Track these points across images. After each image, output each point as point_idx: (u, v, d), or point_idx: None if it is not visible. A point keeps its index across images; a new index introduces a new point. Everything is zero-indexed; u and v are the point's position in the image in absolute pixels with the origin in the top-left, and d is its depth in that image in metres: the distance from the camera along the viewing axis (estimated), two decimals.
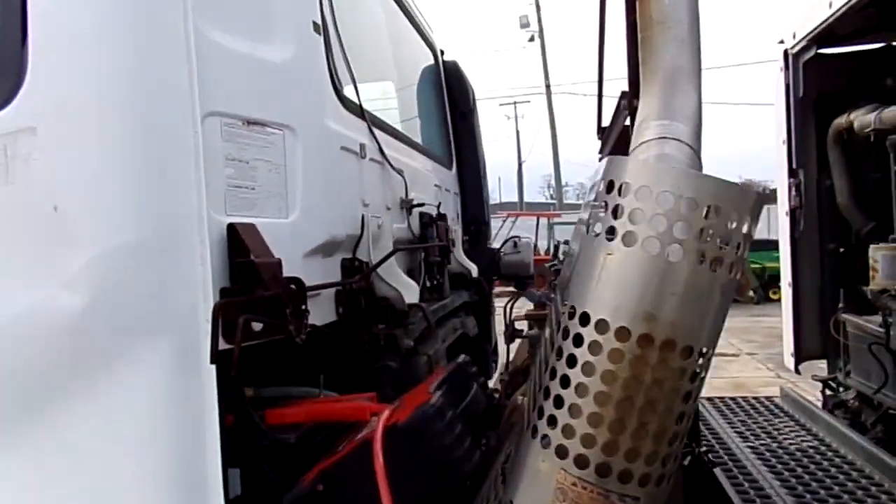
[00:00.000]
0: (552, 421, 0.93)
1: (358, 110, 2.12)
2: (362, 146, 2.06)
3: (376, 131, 2.26)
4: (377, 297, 2.02)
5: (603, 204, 0.99)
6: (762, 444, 2.95)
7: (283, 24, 1.62)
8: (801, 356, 3.74)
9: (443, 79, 4.05)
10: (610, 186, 0.97)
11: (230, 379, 1.54)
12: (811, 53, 3.65)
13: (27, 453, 1.28)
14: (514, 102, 38.10)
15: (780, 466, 2.65)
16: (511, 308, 1.83)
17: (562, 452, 0.91)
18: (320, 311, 1.78)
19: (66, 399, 1.26)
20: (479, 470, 1.28)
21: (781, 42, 3.90)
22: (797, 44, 3.71)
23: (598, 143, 3.68)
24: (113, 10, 1.23)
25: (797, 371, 3.82)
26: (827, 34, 3.51)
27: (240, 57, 1.49)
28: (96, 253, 1.25)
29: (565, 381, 0.93)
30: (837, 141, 3.72)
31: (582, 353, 0.91)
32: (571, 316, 0.95)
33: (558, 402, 0.93)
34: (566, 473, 0.89)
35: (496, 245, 4.34)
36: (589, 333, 0.91)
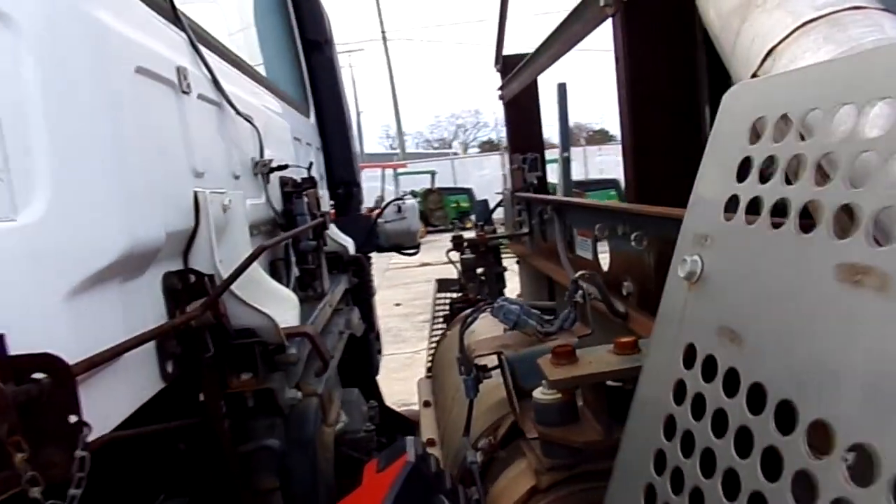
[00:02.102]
0: None
1: (169, 12, 1.22)
2: (182, 72, 1.18)
3: (206, 53, 1.37)
4: (234, 332, 1.20)
5: None
6: None
7: None
8: None
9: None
10: None
11: None
12: None
13: None
14: (349, 51, 36.24)
15: None
16: (464, 330, 1.12)
17: None
18: (128, 384, 0.93)
19: None
20: None
21: None
22: None
23: (494, 76, 2.99)
24: None
25: None
26: None
27: None
28: None
29: None
30: None
31: None
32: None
33: None
34: None
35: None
36: None
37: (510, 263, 3.03)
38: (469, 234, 2.87)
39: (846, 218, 0.41)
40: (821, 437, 0.39)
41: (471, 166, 30.26)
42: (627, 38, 1.22)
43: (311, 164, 2.09)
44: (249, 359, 1.22)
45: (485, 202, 3.81)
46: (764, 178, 0.50)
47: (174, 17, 1.22)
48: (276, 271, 1.96)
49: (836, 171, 0.43)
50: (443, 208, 21.44)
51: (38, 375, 0.66)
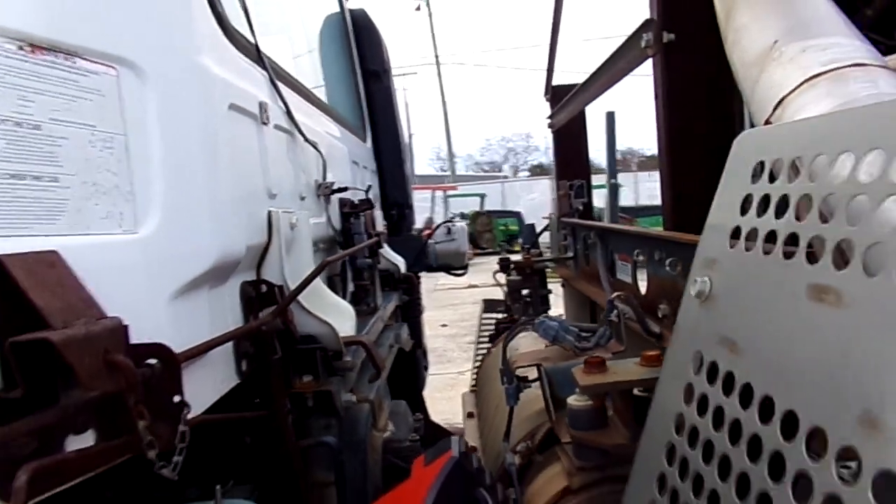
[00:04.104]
0: None
1: (254, 54, 1.38)
2: (263, 106, 1.34)
3: (282, 87, 1.53)
4: (299, 338, 1.33)
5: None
6: None
7: None
8: None
9: (350, 31, 3.29)
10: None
11: None
12: None
13: None
14: (403, 74, 37.01)
15: None
16: (507, 343, 1.22)
17: None
18: (212, 377, 1.08)
19: None
20: None
21: None
22: None
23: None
24: None
25: None
26: None
27: None
28: None
29: None
30: None
31: None
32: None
33: None
34: None
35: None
36: None
37: (556, 287, 3.11)
38: (516, 257, 2.97)
39: (820, 246, 0.50)
40: (791, 424, 0.47)
41: (520, 190, 30.32)
42: (666, 78, 1.31)
43: (369, 187, 2.24)
44: (311, 363, 1.35)
45: (531, 226, 3.90)
46: (762, 211, 0.59)
47: (258, 59, 1.39)
48: (333, 286, 2.11)
49: (813, 208, 0.52)
50: (491, 231, 21.53)
51: (151, 361, 0.79)
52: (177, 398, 0.81)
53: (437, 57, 31.78)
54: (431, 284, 14.29)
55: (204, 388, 1.01)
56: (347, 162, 2.48)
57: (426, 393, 3.45)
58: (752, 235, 0.59)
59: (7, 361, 0.64)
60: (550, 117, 2.84)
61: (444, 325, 9.81)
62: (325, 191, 1.85)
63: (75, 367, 0.64)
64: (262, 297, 1.27)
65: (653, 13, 1.31)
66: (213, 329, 1.05)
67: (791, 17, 0.84)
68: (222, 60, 1.15)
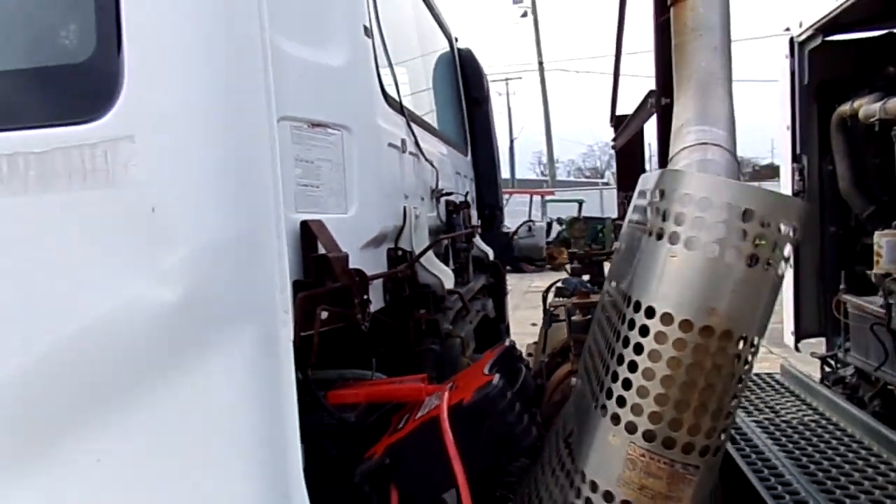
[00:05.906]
0: (621, 401, 1.07)
1: (398, 107, 2.22)
2: (403, 141, 2.17)
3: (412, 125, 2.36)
4: (419, 284, 2.15)
5: (658, 210, 1.12)
6: (765, 419, 3.10)
7: (339, 31, 1.73)
8: (800, 334, 3.92)
9: (458, 66, 4.13)
10: (667, 195, 1.10)
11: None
12: (817, 42, 3.75)
13: (125, 438, 1.39)
14: (507, 79, 37.78)
15: (783, 439, 2.78)
16: (547, 294, 1.96)
17: (631, 428, 1.05)
18: (374, 297, 1.91)
19: (163, 387, 1.37)
20: (535, 444, 1.43)
21: (787, 30, 3.99)
22: (803, 33, 3.81)
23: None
24: (203, 27, 1.33)
25: (797, 349, 3.99)
26: (832, 24, 3.62)
27: (304, 63, 1.59)
28: (190, 250, 1.36)
29: (633, 366, 1.06)
30: (840, 128, 3.84)
31: (648, 342, 1.04)
32: (637, 309, 1.08)
33: (626, 384, 1.06)
34: (635, 446, 1.03)
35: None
36: (654, 325, 1.04)
37: None
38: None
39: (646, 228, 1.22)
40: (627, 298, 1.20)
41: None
42: (664, 131, 1.98)
43: (467, 192, 3.04)
44: (426, 301, 2.16)
45: (594, 228, 4.54)
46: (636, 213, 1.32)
47: (400, 110, 2.23)
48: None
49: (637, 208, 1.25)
50: (586, 237, 21.96)
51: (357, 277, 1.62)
52: (365, 297, 1.64)
53: (540, 63, 32.24)
54: (525, 286, 14.93)
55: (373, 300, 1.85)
56: (452, 173, 3.31)
57: None
58: (633, 221, 1.32)
59: (308, 266, 1.49)
60: (614, 139, 3.52)
61: (533, 324, 10.41)
62: (436, 194, 2.68)
63: (335, 270, 1.48)
64: (398, 258, 2.10)
65: (656, 85, 1.98)
66: (374, 271, 1.89)
67: (695, 111, 1.53)
68: (384, 117, 1.99)
